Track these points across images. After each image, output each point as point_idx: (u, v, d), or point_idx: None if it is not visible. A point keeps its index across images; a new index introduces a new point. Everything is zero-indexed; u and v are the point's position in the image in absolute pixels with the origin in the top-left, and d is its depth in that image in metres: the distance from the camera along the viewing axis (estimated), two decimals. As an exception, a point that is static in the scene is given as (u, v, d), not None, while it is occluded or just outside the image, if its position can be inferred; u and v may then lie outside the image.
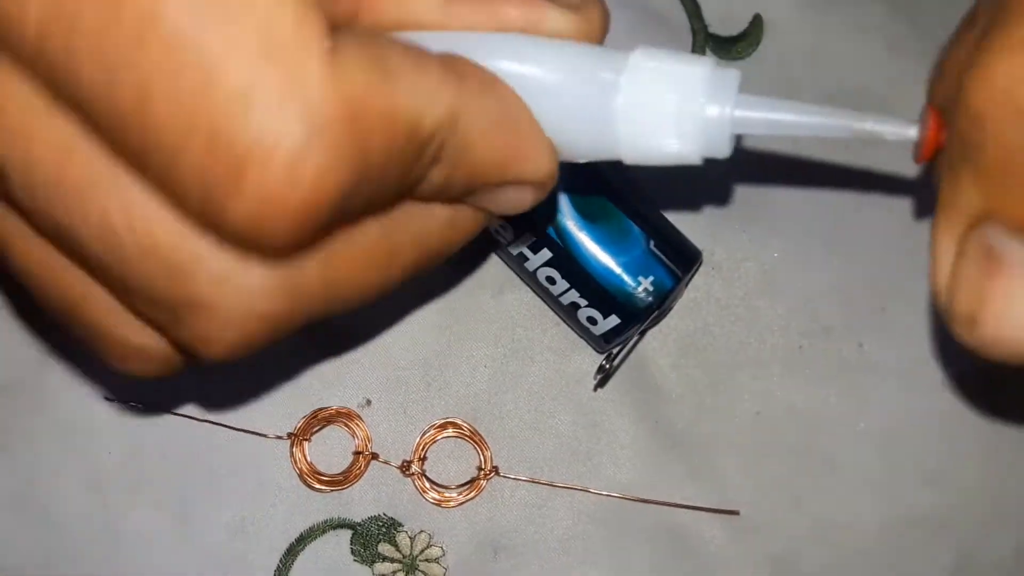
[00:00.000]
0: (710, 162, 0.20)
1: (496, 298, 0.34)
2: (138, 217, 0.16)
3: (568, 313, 0.32)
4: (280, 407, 0.34)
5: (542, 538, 0.33)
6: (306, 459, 0.33)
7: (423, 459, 0.33)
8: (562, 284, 0.31)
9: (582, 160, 0.20)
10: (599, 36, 0.21)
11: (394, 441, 0.34)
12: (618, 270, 0.31)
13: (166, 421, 0.33)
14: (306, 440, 0.34)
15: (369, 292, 0.19)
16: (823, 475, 0.34)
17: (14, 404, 0.34)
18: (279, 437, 0.33)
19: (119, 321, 0.19)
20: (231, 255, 0.17)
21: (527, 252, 0.31)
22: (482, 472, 0.33)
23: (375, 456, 0.33)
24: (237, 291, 0.17)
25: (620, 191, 0.31)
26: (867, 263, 0.35)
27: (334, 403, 0.34)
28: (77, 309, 0.19)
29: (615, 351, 0.32)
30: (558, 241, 0.31)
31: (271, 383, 0.34)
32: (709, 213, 0.35)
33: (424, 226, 0.20)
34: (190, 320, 0.17)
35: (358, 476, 0.33)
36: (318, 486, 0.33)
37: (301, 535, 0.33)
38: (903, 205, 0.35)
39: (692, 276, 0.33)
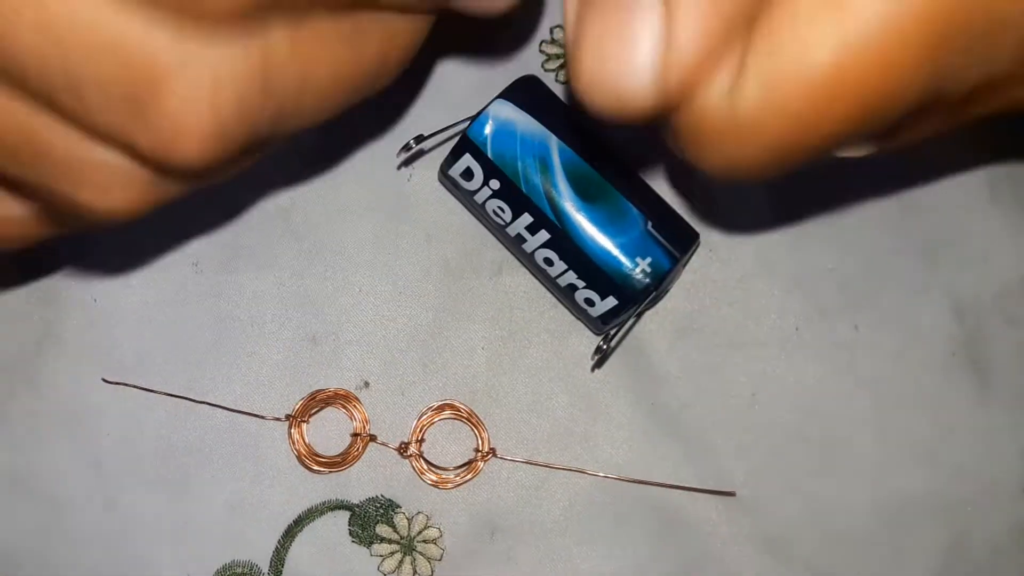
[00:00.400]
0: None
1: (494, 280, 0.34)
2: (78, 7, 0.15)
3: (565, 294, 0.32)
4: (278, 389, 0.34)
5: (539, 519, 0.33)
6: (304, 441, 0.34)
7: (421, 441, 0.33)
8: (560, 265, 0.31)
9: None
10: None
11: (392, 423, 0.34)
12: (615, 251, 0.31)
13: (164, 402, 0.34)
14: (304, 422, 0.34)
15: (332, 80, 0.19)
16: (819, 456, 0.34)
17: (11, 385, 0.34)
18: (277, 419, 0.34)
19: (75, 142, 0.18)
20: (186, 30, 0.16)
21: (525, 233, 0.31)
22: (479, 454, 0.33)
23: (373, 438, 0.33)
24: (199, 62, 0.16)
25: (618, 172, 0.31)
26: (863, 245, 0.35)
27: (332, 385, 0.34)
28: (30, 144, 0.18)
29: (612, 332, 0.32)
30: (556, 222, 0.31)
31: (269, 365, 0.34)
32: (706, 195, 0.35)
33: (380, 27, 0.19)
34: (153, 111, 0.16)
35: (356, 458, 0.34)
36: (316, 468, 0.33)
37: (299, 516, 0.33)
38: (899, 187, 0.35)
39: (690, 257, 0.33)
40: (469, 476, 0.33)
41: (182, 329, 0.34)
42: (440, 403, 0.34)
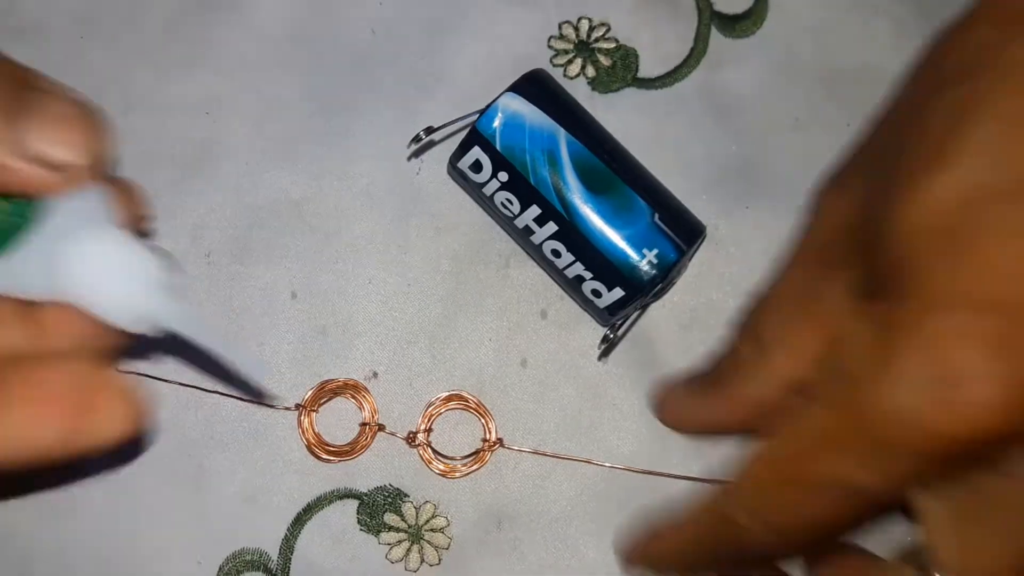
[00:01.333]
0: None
1: (502, 272, 0.35)
2: None
3: (573, 286, 0.32)
4: (288, 379, 0.34)
5: (546, 509, 0.34)
6: (314, 430, 0.34)
7: (429, 430, 0.34)
8: (567, 257, 0.32)
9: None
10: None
11: (401, 413, 0.34)
12: (622, 243, 0.31)
13: (176, 392, 0.34)
14: (314, 411, 0.34)
15: None
16: (824, 449, 0.34)
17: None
18: (287, 408, 0.34)
19: None
20: None
21: (533, 225, 0.32)
22: (487, 444, 0.34)
23: (381, 427, 0.34)
24: None
25: (625, 165, 0.32)
26: (869, 240, 0.35)
27: (341, 375, 0.34)
28: None
29: (619, 322, 0.32)
30: (563, 214, 0.31)
31: (280, 355, 0.34)
32: (713, 190, 0.35)
33: None
34: None
35: (365, 447, 0.34)
36: (325, 456, 0.34)
37: (308, 505, 0.34)
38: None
39: (696, 250, 0.34)
40: (476, 466, 0.34)
41: (194, 319, 0.34)
42: (448, 393, 0.34)
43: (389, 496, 0.34)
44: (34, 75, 0.23)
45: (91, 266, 0.22)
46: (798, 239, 0.29)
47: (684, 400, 0.32)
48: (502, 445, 0.34)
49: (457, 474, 0.34)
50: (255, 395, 0.31)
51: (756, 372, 0.29)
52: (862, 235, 0.25)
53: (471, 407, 0.34)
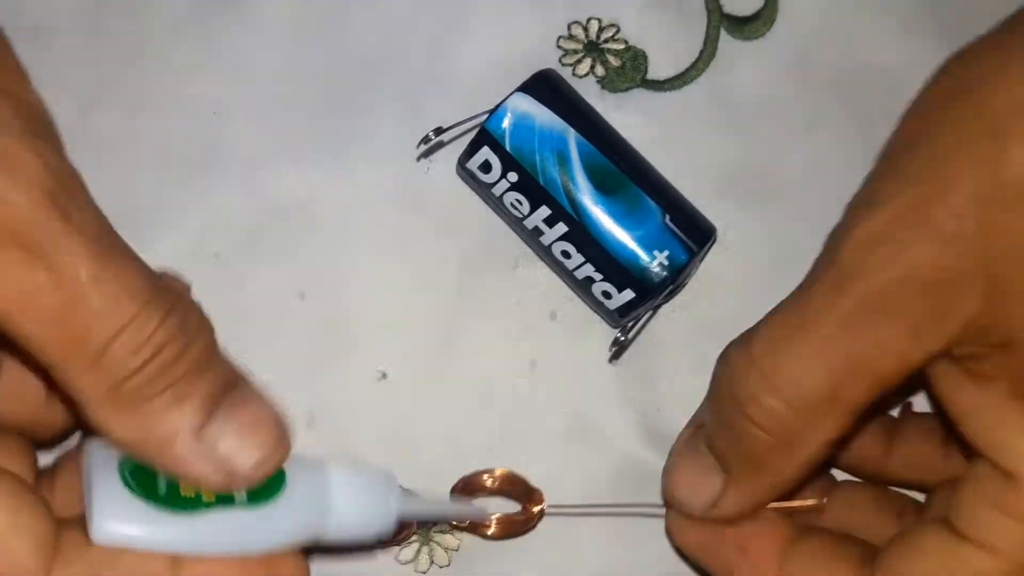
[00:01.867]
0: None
1: (511, 272, 0.35)
2: None
3: (583, 287, 0.32)
4: (297, 380, 0.34)
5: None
6: (323, 432, 0.34)
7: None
8: (577, 258, 0.31)
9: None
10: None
11: (409, 414, 0.34)
12: (633, 244, 0.31)
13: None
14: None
15: None
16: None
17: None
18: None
19: None
20: None
21: (542, 226, 0.32)
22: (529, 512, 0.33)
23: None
24: None
25: (635, 165, 0.32)
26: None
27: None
28: None
29: (630, 324, 0.32)
30: (573, 215, 0.31)
31: (288, 356, 0.34)
32: (722, 193, 0.35)
33: None
34: None
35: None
36: (335, 458, 0.34)
37: (317, 506, 0.33)
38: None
39: (706, 252, 0.33)
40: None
41: (202, 320, 0.34)
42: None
43: (398, 498, 0.34)
44: (239, 373, 0.24)
45: (342, 507, 0.25)
46: (839, 273, 0.25)
47: (711, 495, 0.28)
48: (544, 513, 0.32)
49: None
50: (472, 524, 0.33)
51: (799, 437, 0.25)
52: (987, 319, 0.23)
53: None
